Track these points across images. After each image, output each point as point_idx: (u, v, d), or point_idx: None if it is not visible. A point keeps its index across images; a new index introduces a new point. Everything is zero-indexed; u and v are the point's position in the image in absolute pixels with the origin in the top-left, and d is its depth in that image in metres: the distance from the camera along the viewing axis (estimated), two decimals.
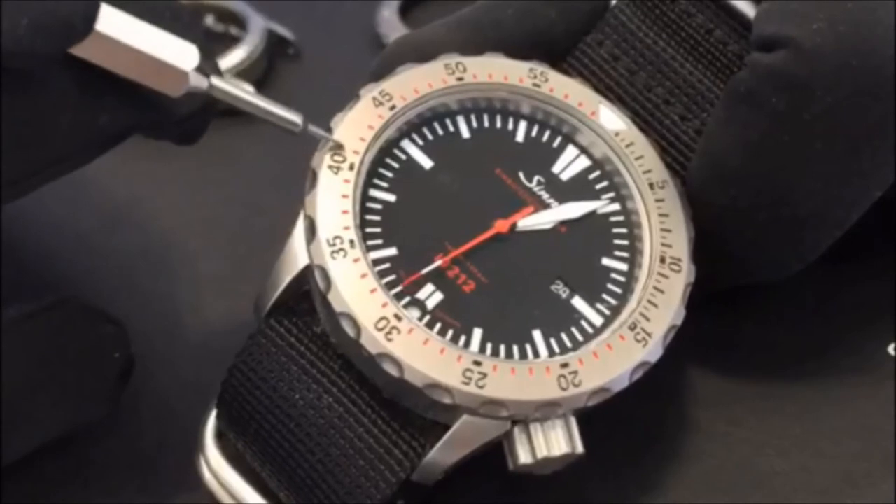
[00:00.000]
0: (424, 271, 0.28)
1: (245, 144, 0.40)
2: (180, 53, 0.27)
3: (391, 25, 0.44)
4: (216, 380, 0.29)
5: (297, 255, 0.29)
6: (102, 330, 0.30)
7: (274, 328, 0.29)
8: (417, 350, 0.27)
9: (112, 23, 0.26)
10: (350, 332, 0.27)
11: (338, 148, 0.29)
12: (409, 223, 0.29)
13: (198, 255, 0.38)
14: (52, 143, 0.27)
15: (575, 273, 0.29)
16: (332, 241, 0.28)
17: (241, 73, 0.42)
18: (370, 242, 0.29)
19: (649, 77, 0.32)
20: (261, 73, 0.43)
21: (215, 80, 0.28)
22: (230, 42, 0.43)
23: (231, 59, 0.42)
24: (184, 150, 0.31)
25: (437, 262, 0.28)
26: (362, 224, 0.28)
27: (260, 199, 0.39)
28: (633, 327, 0.28)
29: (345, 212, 0.28)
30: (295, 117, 0.28)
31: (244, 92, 0.28)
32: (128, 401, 0.32)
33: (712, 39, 0.32)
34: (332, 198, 0.28)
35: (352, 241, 0.28)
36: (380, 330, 0.27)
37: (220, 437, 0.30)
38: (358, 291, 0.27)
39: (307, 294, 0.29)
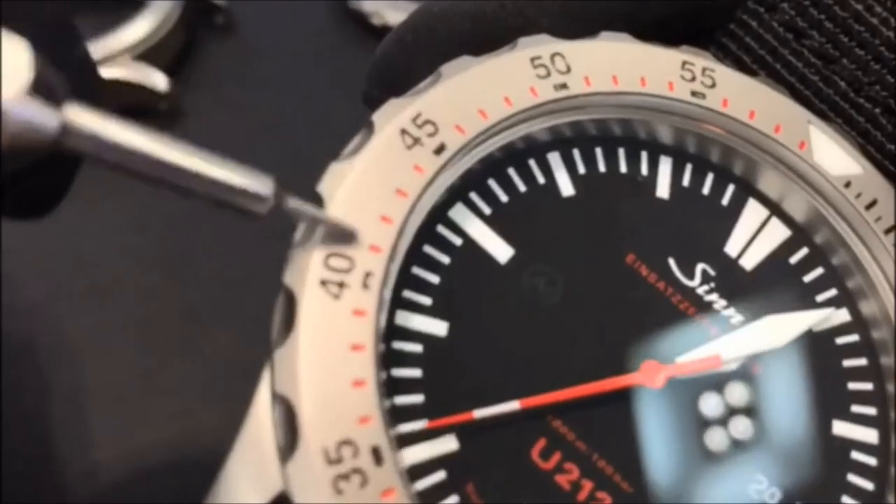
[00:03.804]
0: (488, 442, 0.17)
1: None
2: None
3: None
4: None
5: (256, 474, 0.17)
6: None
7: None
8: None
9: None
10: None
11: (341, 240, 0.17)
12: (475, 380, 0.18)
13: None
14: None
15: (788, 458, 0.19)
16: (334, 454, 0.16)
17: (148, 53, 0.34)
18: (404, 429, 0.17)
19: (859, 68, 0.22)
20: (176, 52, 0.35)
21: (71, 113, 0.16)
22: (132, 6, 0.35)
23: (132, 32, 0.34)
24: None
25: (514, 404, 0.18)
26: (389, 389, 0.17)
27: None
28: None
29: (359, 383, 0.16)
30: (259, 184, 0.16)
31: (135, 134, 0.16)
32: None
33: None
34: (331, 356, 0.16)
35: (376, 451, 0.16)
36: None
37: None
38: None
39: None
